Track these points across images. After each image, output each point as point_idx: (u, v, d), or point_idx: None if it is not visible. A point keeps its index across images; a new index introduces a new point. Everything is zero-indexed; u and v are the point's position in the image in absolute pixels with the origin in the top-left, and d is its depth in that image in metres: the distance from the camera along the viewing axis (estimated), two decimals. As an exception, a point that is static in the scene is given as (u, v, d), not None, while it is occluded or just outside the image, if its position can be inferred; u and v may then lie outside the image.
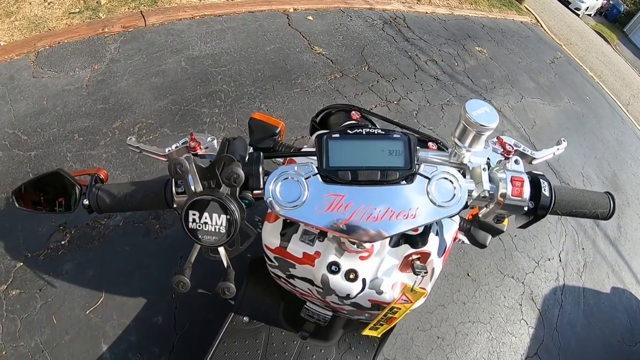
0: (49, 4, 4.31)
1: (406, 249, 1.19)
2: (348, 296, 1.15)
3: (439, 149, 1.44)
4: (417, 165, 0.94)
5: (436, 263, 1.19)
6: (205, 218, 0.86)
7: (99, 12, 4.39)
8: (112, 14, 4.45)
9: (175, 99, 3.77)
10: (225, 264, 0.93)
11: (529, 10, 11.37)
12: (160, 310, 2.56)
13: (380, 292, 1.16)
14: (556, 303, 3.76)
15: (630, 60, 18.41)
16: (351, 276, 1.12)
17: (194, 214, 0.86)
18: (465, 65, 6.60)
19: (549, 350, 3.40)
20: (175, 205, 1.01)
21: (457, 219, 1.29)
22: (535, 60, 8.39)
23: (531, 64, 8.06)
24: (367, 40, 5.91)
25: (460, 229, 1.32)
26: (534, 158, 1.38)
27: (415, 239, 1.18)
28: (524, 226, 1.09)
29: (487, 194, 1.00)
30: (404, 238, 1.20)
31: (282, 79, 4.46)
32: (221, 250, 0.92)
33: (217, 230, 0.87)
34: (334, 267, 1.12)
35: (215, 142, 1.17)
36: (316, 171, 0.93)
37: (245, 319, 1.81)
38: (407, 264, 1.19)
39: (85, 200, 1.06)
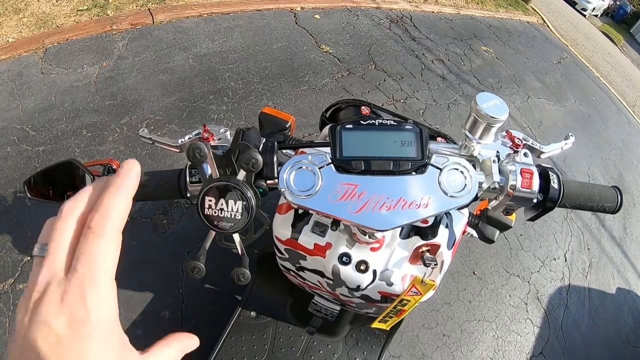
0: (57, 1, 4.33)
1: (416, 241, 1.19)
2: (358, 287, 1.16)
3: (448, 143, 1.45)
4: (428, 156, 0.94)
5: (446, 255, 1.19)
6: (222, 204, 0.86)
7: (107, 10, 4.41)
8: (120, 11, 4.46)
9: (183, 95, 3.78)
10: (240, 251, 0.93)
11: (536, 11, 11.35)
12: (167, 304, 2.57)
13: (390, 284, 1.17)
14: (561, 303, 3.76)
15: (636, 61, 18.32)
16: (362, 267, 1.13)
17: (210, 200, 0.86)
18: (471, 64, 6.59)
19: (554, 349, 3.39)
20: (189, 195, 1.02)
21: (466, 211, 1.29)
22: (542, 60, 8.38)
23: (537, 64, 8.04)
24: (373, 39, 5.91)
25: (469, 224, 1.32)
26: (542, 152, 1.37)
27: (426, 230, 1.19)
28: (532, 219, 1.09)
29: (497, 186, 1.00)
30: (414, 230, 1.21)
31: (289, 76, 4.47)
32: (236, 237, 0.92)
33: (233, 216, 0.87)
34: (345, 258, 1.13)
35: (228, 133, 1.17)
36: (330, 161, 0.93)
37: (253, 313, 1.81)
38: (417, 256, 1.19)
39: None
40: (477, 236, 1.39)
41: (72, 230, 0.48)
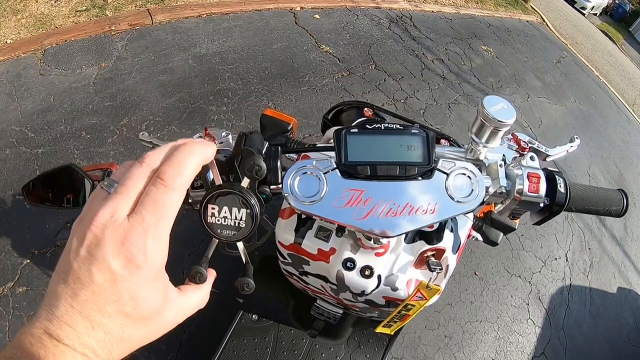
0: (55, 1, 4.32)
1: (421, 245, 1.18)
2: (363, 293, 1.15)
3: (451, 146, 1.44)
4: (435, 161, 0.93)
5: (450, 260, 1.18)
6: (225, 212, 0.85)
7: (106, 10, 4.40)
8: (119, 11, 4.46)
9: (183, 96, 3.78)
10: (244, 260, 0.92)
11: (535, 10, 11.34)
12: (168, 307, 2.55)
13: (395, 289, 1.15)
14: (563, 303, 3.76)
15: (636, 60, 18.31)
16: (366, 272, 1.12)
17: (213, 208, 0.84)
18: (471, 64, 6.59)
19: (556, 349, 3.39)
20: (190, 201, 1.01)
21: (470, 215, 1.27)
22: (542, 59, 8.38)
23: (537, 63, 8.04)
24: (373, 39, 5.91)
25: (473, 227, 1.31)
26: (548, 155, 1.37)
27: (431, 235, 1.17)
28: (538, 223, 1.09)
29: (503, 190, 1.00)
30: (419, 234, 1.19)
31: (289, 77, 4.47)
32: (240, 245, 0.90)
33: (236, 224, 0.85)
34: (349, 264, 1.12)
35: (230, 137, 1.16)
36: (335, 166, 0.92)
37: (254, 317, 1.81)
38: (421, 261, 1.18)
39: None
40: (481, 239, 1.38)
41: (145, 180, 0.53)
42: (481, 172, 0.96)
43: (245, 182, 0.84)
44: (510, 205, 1.03)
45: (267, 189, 0.94)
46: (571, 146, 1.41)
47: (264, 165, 0.79)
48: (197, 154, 0.58)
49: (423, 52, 6.20)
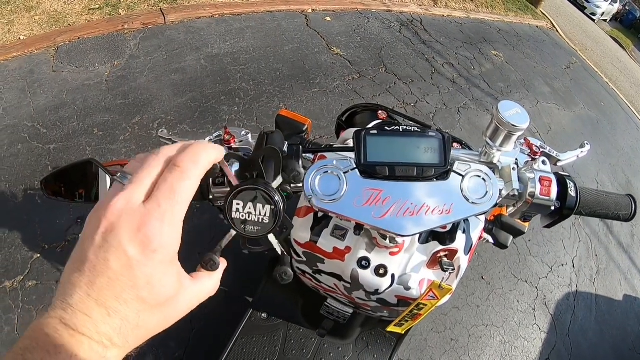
0: (69, -1, 4.34)
1: (435, 246, 1.19)
2: (376, 291, 1.17)
3: (464, 149, 1.45)
4: (450, 163, 0.95)
5: (462, 261, 1.19)
6: (250, 208, 0.87)
7: (119, 9, 4.42)
8: (132, 10, 4.47)
9: (195, 96, 3.79)
10: (279, 250, 0.93)
11: (545, 15, 11.34)
12: (177, 305, 2.56)
13: (407, 288, 1.17)
14: (569, 309, 3.75)
15: (645, 67, 18.32)
16: (381, 271, 1.13)
17: (237, 204, 0.86)
18: (481, 68, 6.59)
19: (561, 355, 3.39)
20: (211, 197, 1.02)
21: (482, 217, 1.29)
22: (551, 65, 8.37)
23: (547, 68, 8.03)
24: (384, 42, 5.91)
25: (484, 229, 1.33)
26: (559, 160, 1.38)
27: (444, 235, 1.19)
28: (548, 226, 1.10)
29: (516, 193, 1.02)
30: (432, 235, 1.21)
31: (300, 78, 4.48)
32: (271, 237, 0.92)
33: (260, 220, 0.87)
34: (364, 262, 1.14)
35: (249, 136, 1.17)
36: (354, 166, 0.94)
37: (264, 315, 1.82)
38: (434, 261, 1.19)
39: None
40: (492, 242, 1.39)
41: (160, 169, 0.53)
42: (495, 174, 0.98)
43: (277, 182, 0.85)
44: (522, 208, 1.05)
45: (288, 187, 0.96)
46: (582, 152, 1.43)
47: (302, 171, 0.81)
48: (210, 150, 0.59)
49: (433, 56, 6.20)
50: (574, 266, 4.16)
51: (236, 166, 0.88)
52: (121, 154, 3.12)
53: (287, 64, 4.60)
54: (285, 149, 1.01)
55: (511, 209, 1.09)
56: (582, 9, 20.41)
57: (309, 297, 1.75)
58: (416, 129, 0.97)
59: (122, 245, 0.47)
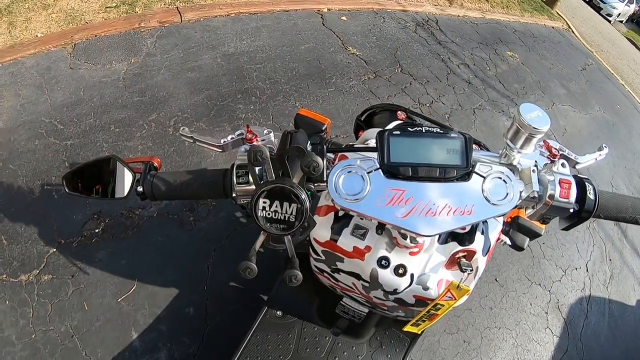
0: (86, -3, 4.37)
1: (454, 247, 1.19)
2: (395, 291, 1.17)
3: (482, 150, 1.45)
4: (472, 165, 0.95)
5: (480, 262, 1.19)
6: (276, 207, 0.88)
7: (135, 7, 4.44)
8: (149, 9, 4.49)
9: (211, 94, 3.80)
10: (290, 253, 0.94)
11: (561, 16, 11.28)
12: (191, 301, 2.59)
13: (426, 288, 1.17)
14: (581, 313, 3.73)
15: (661, 70, 18.19)
16: (400, 271, 1.13)
17: (264, 202, 0.87)
18: (497, 69, 6.56)
19: (573, 360, 3.37)
20: (234, 195, 1.03)
21: (501, 219, 1.29)
22: (567, 66, 8.31)
23: (562, 70, 7.98)
24: (400, 42, 5.90)
25: (501, 230, 1.33)
26: (578, 162, 1.39)
27: (463, 236, 1.19)
28: (566, 228, 1.12)
29: (536, 195, 1.03)
30: (451, 235, 1.21)
31: (316, 78, 4.48)
32: (287, 239, 0.92)
33: (286, 218, 0.88)
34: (384, 262, 1.14)
35: (272, 135, 1.18)
36: (378, 166, 0.95)
37: (279, 313, 1.82)
38: (452, 262, 1.19)
39: (139, 187, 1.08)
40: (509, 243, 1.39)
41: None
42: (515, 176, 0.98)
43: (296, 177, 0.85)
44: (540, 210, 1.06)
45: (312, 186, 0.97)
46: (600, 154, 1.44)
47: (321, 162, 0.81)
48: None
49: (449, 56, 6.18)
50: (587, 270, 4.13)
51: (260, 165, 0.88)
52: (137, 150, 3.14)
53: (303, 63, 4.61)
54: (308, 148, 1.02)
55: (530, 211, 1.10)
56: (598, 9, 20.30)
57: (325, 295, 1.76)
58: (438, 130, 0.98)
59: None
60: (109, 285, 2.52)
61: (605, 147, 1.45)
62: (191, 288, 2.63)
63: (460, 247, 1.18)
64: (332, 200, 0.93)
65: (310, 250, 1.33)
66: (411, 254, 1.15)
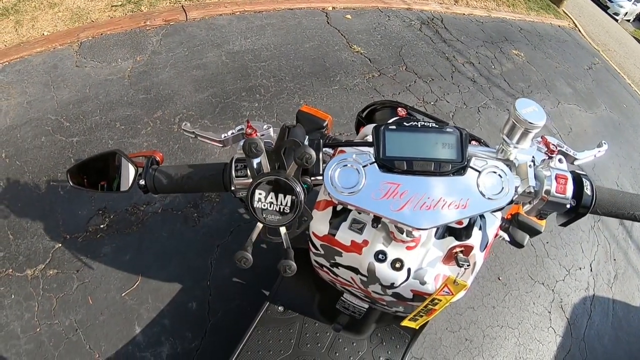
0: (92, -5, 4.39)
1: (450, 241, 1.20)
2: (392, 285, 1.18)
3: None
4: (467, 159, 0.96)
5: (478, 257, 1.20)
6: (271, 198, 0.89)
7: (141, 6, 4.46)
8: (154, 7, 4.51)
9: (216, 91, 3.82)
10: (285, 244, 0.95)
11: (567, 14, 11.23)
12: (194, 296, 2.61)
13: (423, 283, 1.18)
14: (585, 313, 3.71)
15: (668, 69, 18.08)
16: (397, 265, 1.14)
17: (260, 194, 0.88)
18: (502, 68, 6.53)
19: (575, 360, 3.37)
20: (233, 188, 1.04)
21: (498, 215, 1.30)
22: (573, 65, 8.26)
23: (568, 69, 7.93)
24: (404, 41, 5.89)
25: (500, 227, 1.33)
26: (576, 159, 1.39)
27: (460, 231, 1.20)
28: (564, 224, 1.11)
29: (532, 190, 1.02)
30: (448, 230, 1.22)
31: (321, 76, 4.49)
32: (282, 230, 0.94)
33: (281, 210, 0.89)
34: (380, 256, 1.15)
35: (271, 130, 1.19)
36: (373, 160, 0.96)
37: (280, 308, 1.83)
38: (450, 256, 1.20)
39: (141, 180, 1.09)
40: (508, 240, 1.40)
41: None
42: (511, 171, 0.99)
43: (291, 170, 0.87)
44: (537, 206, 1.06)
45: (309, 179, 0.99)
46: (599, 151, 1.44)
47: (313, 154, 0.83)
48: None
49: (454, 54, 6.17)
50: (591, 270, 4.11)
51: (258, 158, 0.90)
52: (142, 147, 3.16)
53: (307, 61, 4.62)
54: (306, 142, 1.03)
55: (527, 207, 1.09)
56: (604, 8, 20.20)
57: (326, 291, 1.78)
58: (434, 125, 0.99)
59: None
60: (113, 280, 2.54)
61: (605, 143, 1.45)
62: (194, 283, 2.65)
63: (458, 242, 1.19)
64: (328, 193, 0.95)
65: (310, 244, 1.35)
66: (408, 248, 1.16)
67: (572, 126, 6.19)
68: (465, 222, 1.20)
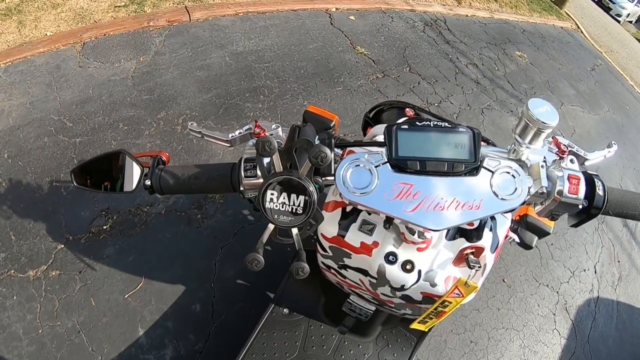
0: (95, -4, 4.39)
1: (461, 243, 1.19)
2: (402, 287, 1.17)
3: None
4: (480, 159, 0.95)
5: (488, 259, 1.19)
6: (283, 198, 0.88)
7: (144, 6, 4.45)
8: (157, 8, 4.51)
9: (220, 92, 3.81)
10: (297, 246, 0.94)
11: (570, 16, 11.22)
12: (198, 298, 2.60)
13: (433, 285, 1.17)
14: (589, 315, 3.70)
15: (671, 71, 18.07)
16: (407, 267, 1.14)
17: (272, 194, 0.87)
18: (505, 69, 6.52)
19: (580, 362, 3.35)
20: (242, 189, 1.03)
21: (509, 216, 1.29)
22: (576, 67, 8.25)
23: (571, 70, 7.92)
24: (408, 42, 5.89)
25: (510, 228, 1.32)
26: (587, 159, 1.37)
27: (471, 233, 1.19)
28: (575, 225, 1.11)
29: (544, 190, 1.01)
30: (459, 232, 1.21)
31: (324, 77, 4.48)
32: (294, 231, 0.93)
33: (294, 210, 0.88)
34: (391, 257, 1.14)
35: (280, 129, 1.18)
36: (386, 160, 0.95)
37: (286, 310, 1.82)
38: (460, 258, 1.19)
39: (147, 181, 1.08)
40: (517, 241, 1.39)
41: None
42: (523, 172, 0.98)
43: (304, 169, 0.86)
44: (549, 206, 1.05)
45: (320, 179, 0.97)
46: (609, 151, 1.42)
47: (329, 152, 0.81)
48: None
49: (457, 56, 6.16)
50: (595, 272, 4.10)
51: (268, 158, 0.88)
52: (146, 148, 3.16)
53: (311, 62, 4.61)
54: (316, 141, 1.02)
55: (539, 207, 1.09)
56: (607, 10, 20.20)
57: (332, 293, 1.77)
58: (446, 124, 0.98)
59: None
60: (116, 282, 2.54)
61: (614, 144, 1.44)
62: (198, 285, 2.64)
63: (468, 244, 1.18)
64: (340, 194, 0.93)
65: (318, 246, 1.33)
66: (419, 249, 1.16)
67: (576, 127, 6.18)
68: (476, 224, 1.19)
